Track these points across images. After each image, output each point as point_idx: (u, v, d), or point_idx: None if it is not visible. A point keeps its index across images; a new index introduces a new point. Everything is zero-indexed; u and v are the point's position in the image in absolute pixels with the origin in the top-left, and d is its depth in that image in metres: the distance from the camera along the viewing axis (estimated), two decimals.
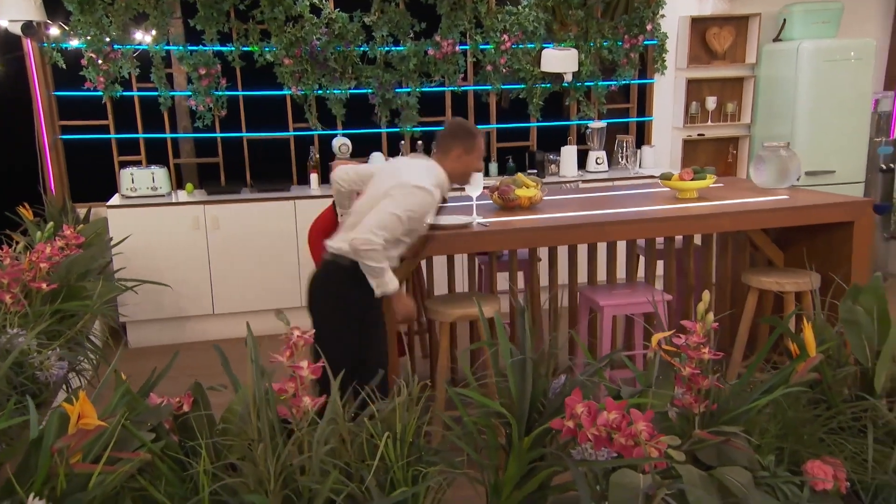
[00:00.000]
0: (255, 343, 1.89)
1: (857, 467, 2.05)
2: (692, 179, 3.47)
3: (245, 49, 5.32)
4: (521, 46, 5.65)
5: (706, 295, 2.03)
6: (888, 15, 6.39)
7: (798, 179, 3.88)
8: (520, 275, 3.96)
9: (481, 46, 5.63)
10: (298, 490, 1.82)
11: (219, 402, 2.02)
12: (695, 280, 3.91)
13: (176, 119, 5.66)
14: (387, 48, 5.50)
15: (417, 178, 2.80)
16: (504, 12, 5.60)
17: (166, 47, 5.19)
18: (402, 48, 5.50)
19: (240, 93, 5.43)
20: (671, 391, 2.02)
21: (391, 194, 2.77)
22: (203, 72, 5.22)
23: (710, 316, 2.00)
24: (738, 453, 1.87)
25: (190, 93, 5.27)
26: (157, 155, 5.44)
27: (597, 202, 3.56)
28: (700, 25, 5.95)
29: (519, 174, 3.55)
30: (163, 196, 5.09)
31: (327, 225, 3.25)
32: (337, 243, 2.86)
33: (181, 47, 5.20)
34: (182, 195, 5.22)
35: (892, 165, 6.03)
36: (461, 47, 5.60)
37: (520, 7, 5.62)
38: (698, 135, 6.12)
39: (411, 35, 5.50)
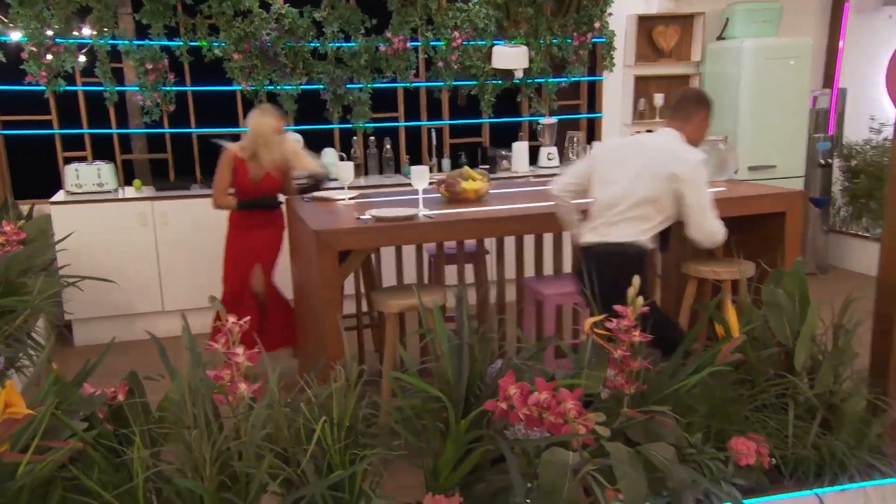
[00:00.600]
0: (190, 333, 1.89)
1: (779, 443, 2.13)
2: None
3: (193, 44, 5.26)
4: (472, 43, 5.69)
5: (636, 280, 2.08)
6: (825, 15, 6.59)
7: (736, 172, 3.99)
8: (469, 268, 4.01)
9: (432, 43, 5.66)
10: (235, 475, 1.82)
11: (159, 394, 2.02)
12: None
13: (127, 115, 5.57)
14: (338, 44, 5.49)
15: (691, 152, 2.90)
16: (455, 9, 5.63)
17: (111, 41, 5.11)
18: (353, 44, 5.49)
19: (188, 88, 5.37)
20: (604, 373, 2.07)
21: (686, 178, 2.82)
22: (150, 66, 5.15)
23: (640, 300, 2.06)
24: (665, 430, 1.93)
25: (137, 87, 5.19)
26: (105, 151, 5.35)
27: (543, 195, 3.61)
28: (647, 24, 6.07)
29: (466, 167, 3.59)
30: (109, 192, 5.00)
31: None
32: (629, 236, 2.87)
33: (127, 41, 5.12)
34: (130, 191, 5.14)
35: (829, 161, 6.22)
36: (412, 44, 5.62)
37: (470, 4, 5.66)
38: (647, 131, 6.22)
39: (362, 31, 5.50)
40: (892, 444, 2.23)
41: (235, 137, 5.50)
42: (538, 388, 1.78)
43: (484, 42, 5.72)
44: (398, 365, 3.18)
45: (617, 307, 2.08)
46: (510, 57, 5.62)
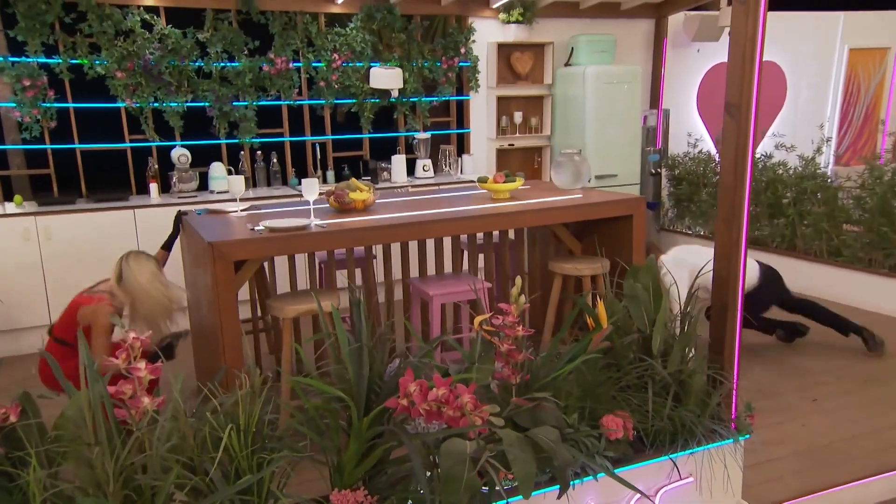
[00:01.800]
0: (86, 347, 1.70)
1: (640, 417, 2.20)
2: (504, 182, 3.59)
3: (74, 62, 4.82)
4: (350, 65, 5.59)
5: (518, 280, 2.09)
6: (650, 47, 7.01)
7: (589, 181, 4.14)
8: (358, 271, 3.92)
9: (314, 64, 5.50)
10: (140, 488, 1.66)
11: (53, 412, 1.80)
12: (510, 269, 4.07)
13: (3, 131, 5.01)
14: (222, 63, 5.22)
15: None
16: (333, 33, 5.51)
17: None
18: (237, 64, 5.24)
19: (70, 105, 4.91)
20: (492, 366, 2.06)
21: None
22: (28, 83, 4.66)
23: (523, 298, 2.06)
24: (548, 415, 1.95)
25: (14, 104, 4.68)
26: None
27: (424, 204, 3.59)
28: (505, 50, 6.20)
29: (353, 179, 3.49)
30: None
31: None
32: None
33: (1, 58, 4.61)
34: (10, 207, 4.63)
35: (659, 170, 6.62)
36: (295, 64, 5.44)
37: (348, 29, 5.55)
38: (509, 144, 6.38)
39: (245, 52, 5.26)
40: (728, 411, 2.38)
41: (121, 153, 5.11)
42: (436, 384, 1.74)
43: (361, 64, 5.63)
44: (294, 368, 3.04)
45: (501, 304, 2.08)
46: (386, 78, 5.56)
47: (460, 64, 6.03)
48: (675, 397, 2.21)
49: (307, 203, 3.22)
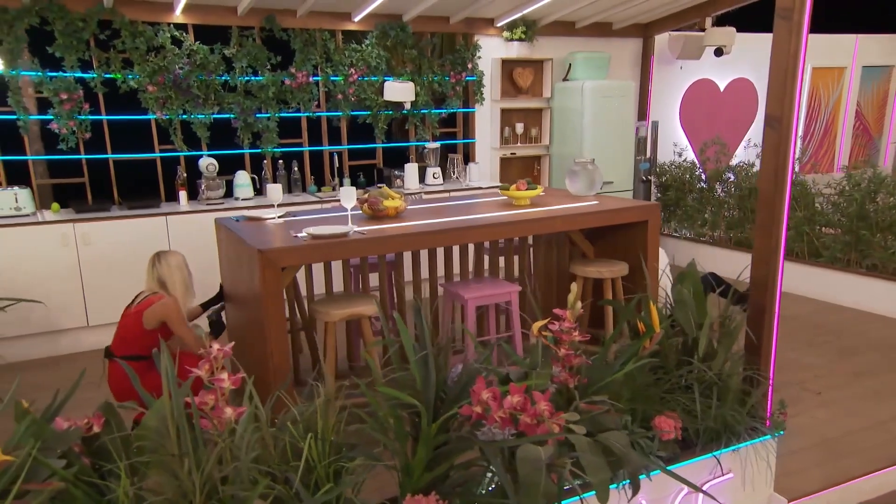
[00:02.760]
0: (169, 358, 1.57)
1: (686, 417, 2.11)
2: (526, 189, 3.49)
3: (107, 76, 4.63)
4: (365, 79, 5.45)
5: (574, 286, 1.99)
6: (638, 64, 6.95)
7: (601, 188, 4.05)
8: (375, 276, 3.78)
9: (332, 78, 5.36)
10: (222, 499, 1.53)
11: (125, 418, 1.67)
12: (528, 272, 3.97)
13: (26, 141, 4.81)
14: (246, 78, 5.06)
15: None
16: (350, 49, 5.37)
17: (23, 73, 4.39)
18: (260, 78, 5.08)
19: (103, 117, 4.73)
20: (550, 370, 1.95)
21: None
22: (64, 97, 4.47)
23: (579, 304, 1.96)
24: (608, 418, 1.84)
25: (52, 116, 4.49)
26: (10, 178, 4.58)
27: (451, 210, 3.47)
28: (508, 66, 6.09)
29: (384, 187, 3.37)
30: (27, 216, 4.29)
31: None
32: None
33: (40, 73, 4.42)
34: (48, 214, 4.44)
35: (649, 178, 6.55)
36: (314, 78, 5.29)
37: (363, 45, 5.42)
38: (511, 153, 6.28)
39: (268, 67, 5.10)
40: (763, 408, 2.29)
41: (150, 163, 4.94)
42: (511, 391, 1.63)
43: (376, 78, 5.49)
44: (336, 370, 2.91)
45: (556, 310, 1.97)
46: (399, 91, 5.44)
47: (467, 78, 5.92)
48: (712, 396, 2.12)
49: (337, 210, 3.10)
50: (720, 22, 7.05)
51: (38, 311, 4.16)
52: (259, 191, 5.28)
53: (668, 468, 1.98)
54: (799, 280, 5.26)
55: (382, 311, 2.10)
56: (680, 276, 2.21)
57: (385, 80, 5.48)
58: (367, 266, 3.50)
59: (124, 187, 4.93)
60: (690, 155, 7.36)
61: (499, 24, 5.90)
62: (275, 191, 3.28)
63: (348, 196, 3.00)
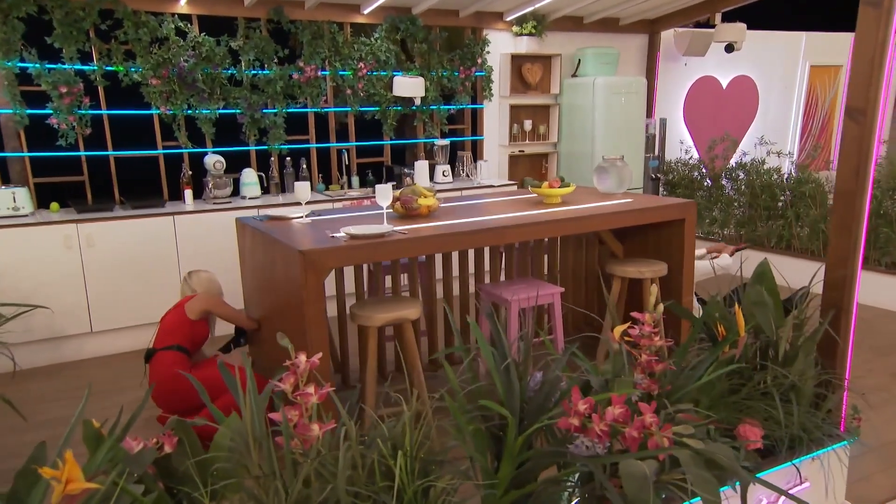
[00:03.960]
0: (251, 372, 1.43)
1: (766, 424, 2.02)
2: (560, 187, 3.38)
3: (109, 69, 4.43)
4: (374, 74, 5.31)
5: (654, 288, 1.88)
6: (643, 60, 6.89)
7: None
8: (404, 276, 3.66)
9: (340, 73, 5.20)
10: None
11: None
12: (558, 271, 3.87)
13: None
14: (253, 71, 4.88)
15: None
16: (359, 42, 5.22)
17: (20, 64, 4.17)
18: (268, 72, 4.91)
19: (104, 112, 4.52)
20: (632, 378, 1.84)
21: None
22: (64, 90, 4.27)
23: (661, 307, 1.86)
24: (699, 429, 1.74)
25: (51, 111, 4.28)
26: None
27: (482, 208, 3.36)
28: (517, 61, 5.99)
29: (416, 185, 3.24)
30: (26, 216, 4.08)
31: None
32: None
33: (38, 65, 4.20)
34: (47, 215, 4.23)
35: (658, 175, 6.51)
36: (322, 73, 5.13)
37: (372, 39, 5.28)
38: (519, 151, 6.18)
39: (275, 60, 4.94)
40: (837, 414, 2.22)
41: (152, 160, 4.74)
42: (613, 402, 1.52)
43: (385, 73, 5.35)
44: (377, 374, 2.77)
45: (635, 314, 1.87)
46: (409, 86, 5.30)
47: (476, 74, 5.81)
48: (788, 401, 2.04)
49: (358, 209, 2.98)
50: (726, 18, 7.02)
51: (40, 317, 3.96)
52: (266, 189, 5.11)
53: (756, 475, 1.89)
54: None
55: (453, 314, 1.98)
56: (757, 276, 2.12)
57: (394, 75, 5.34)
58: (398, 267, 3.37)
59: (126, 186, 4.73)
60: (696, 153, 7.33)
61: (508, 19, 5.80)
62: (303, 189, 3.14)
63: (384, 194, 2.86)
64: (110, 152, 4.60)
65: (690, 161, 6.85)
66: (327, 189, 5.31)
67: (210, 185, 4.71)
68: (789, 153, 7.29)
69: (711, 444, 1.62)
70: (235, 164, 4.98)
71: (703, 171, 6.66)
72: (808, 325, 2.17)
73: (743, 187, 6.16)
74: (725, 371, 1.87)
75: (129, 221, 4.20)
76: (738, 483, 1.79)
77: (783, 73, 7.92)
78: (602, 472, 1.47)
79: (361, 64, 5.23)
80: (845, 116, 2.01)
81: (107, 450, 1.23)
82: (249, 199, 4.86)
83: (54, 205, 4.34)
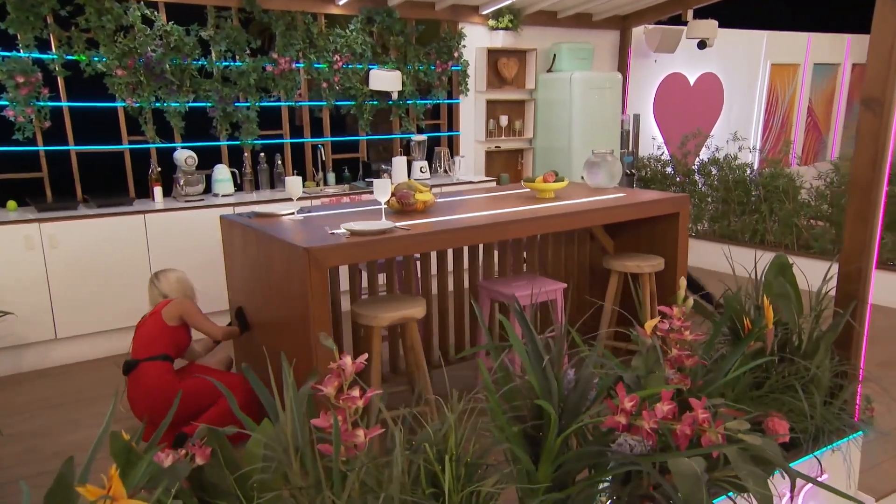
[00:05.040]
0: (292, 377, 1.34)
1: (793, 417, 2.02)
2: (554, 181, 3.36)
3: (70, 58, 4.19)
4: (350, 67, 5.19)
5: (682, 281, 1.86)
6: (615, 56, 6.97)
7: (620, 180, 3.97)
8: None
9: (315, 65, 5.07)
10: None
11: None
12: (550, 267, 3.85)
13: None
14: (225, 63, 4.70)
15: None
16: (334, 34, 5.09)
17: None
18: (239, 63, 4.74)
19: (65, 104, 4.27)
20: (663, 373, 1.82)
21: None
22: (21, 80, 4.01)
23: (690, 301, 1.84)
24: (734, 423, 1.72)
25: (7, 102, 4.02)
26: None
27: (476, 204, 3.30)
28: (493, 55, 5.96)
29: (411, 180, 3.16)
30: None
31: None
32: None
33: None
34: (4, 213, 3.97)
35: (633, 171, 6.59)
36: (297, 65, 4.98)
37: (348, 31, 5.15)
38: (495, 147, 6.15)
39: (248, 51, 4.77)
40: (852, 405, 2.25)
41: (117, 155, 4.51)
42: (662, 398, 1.48)
43: (361, 66, 5.24)
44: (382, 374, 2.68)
45: (662, 308, 1.85)
46: (386, 80, 5.21)
47: (453, 68, 5.75)
48: (813, 394, 2.05)
49: (354, 205, 2.88)
50: (698, 15, 7.16)
51: (0, 324, 3.71)
52: (240, 186, 4.93)
53: (775, 472, 1.89)
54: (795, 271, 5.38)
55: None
56: (777, 268, 2.13)
57: (370, 69, 5.23)
58: (394, 264, 3.28)
59: (89, 183, 4.49)
60: (666, 148, 7.45)
61: (484, 12, 5.76)
62: (294, 184, 3.02)
63: (382, 189, 2.78)
64: (72, 147, 4.35)
65: (663, 157, 6.96)
66: (303, 186, 5.16)
67: (181, 182, 4.51)
68: (753, 148, 7.50)
69: (765, 442, 1.61)
70: (206, 160, 4.79)
71: (675, 167, 6.77)
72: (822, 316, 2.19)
73: (716, 182, 6.29)
74: (756, 364, 1.86)
75: (96, 220, 3.98)
76: (782, 477, 1.79)
77: (747, 71, 8.14)
78: (657, 471, 1.44)
79: (337, 56, 5.11)
80: (862, 107, 2.03)
81: (146, 464, 1.12)
82: (223, 196, 4.68)
83: (11, 203, 4.08)
